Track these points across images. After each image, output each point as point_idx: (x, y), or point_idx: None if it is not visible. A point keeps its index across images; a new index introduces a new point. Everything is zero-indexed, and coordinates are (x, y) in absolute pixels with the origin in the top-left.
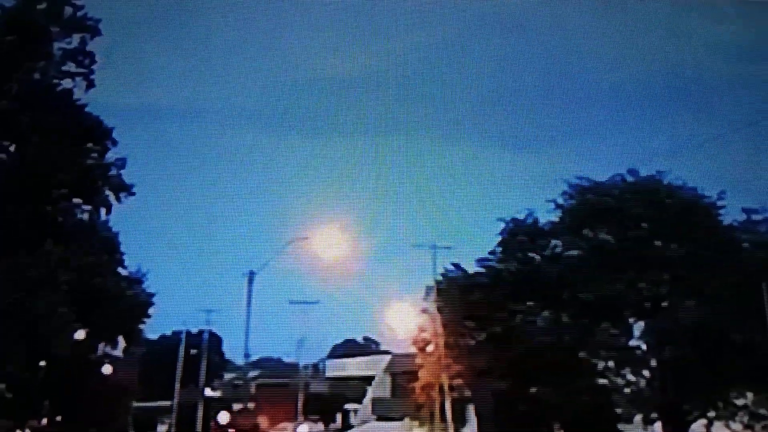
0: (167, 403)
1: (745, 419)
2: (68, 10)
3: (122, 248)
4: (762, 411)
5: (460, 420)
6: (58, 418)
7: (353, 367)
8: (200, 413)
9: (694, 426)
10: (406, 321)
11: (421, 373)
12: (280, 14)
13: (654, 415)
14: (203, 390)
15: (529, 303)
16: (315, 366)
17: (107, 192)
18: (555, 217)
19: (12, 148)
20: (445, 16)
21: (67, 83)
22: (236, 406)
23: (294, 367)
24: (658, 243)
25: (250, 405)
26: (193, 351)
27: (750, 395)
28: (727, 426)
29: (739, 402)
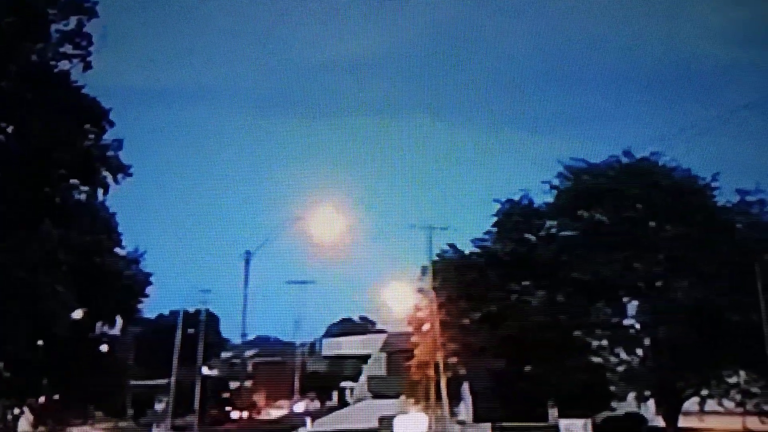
0: (165, 381)
1: (738, 397)
2: None
3: (120, 229)
4: (754, 389)
5: (455, 398)
6: (57, 397)
7: (349, 345)
8: (198, 391)
9: (686, 404)
10: (402, 300)
11: (417, 352)
12: None
13: (647, 393)
14: (201, 368)
15: (525, 283)
16: (311, 345)
17: (105, 173)
18: (550, 198)
19: (10, 130)
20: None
21: (64, 65)
22: (234, 385)
23: (291, 345)
24: (652, 224)
25: (248, 383)
26: (191, 330)
27: (742, 374)
28: (720, 404)
29: (732, 380)
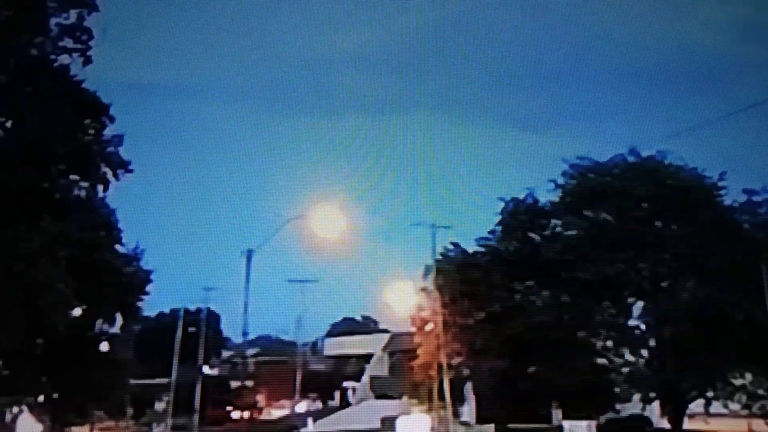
0: (165, 380)
1: (743, 399)
2: None
3: (120, 225)
4: (760, 391)
5: (458, 398)
6: (56, 395)
7: (351, 345)
8: (198, 391)
9: (692, 405)
10: (405, 300)
11: (420, 352)
12: None
13: (652, 394)
14: (201, 368)
15: (529, 282)
16: (313, 344)
17: (105, 168)
18: (555, 197)
19: (9, 124)
20: None
21: (64, 59)
22: (234, 384)
23: (292, 345)
24: (658, 223)
25: (249, 383)
26: (192, 329)
27: (749, 375)
28: (725, 406)
29: (738, 382)
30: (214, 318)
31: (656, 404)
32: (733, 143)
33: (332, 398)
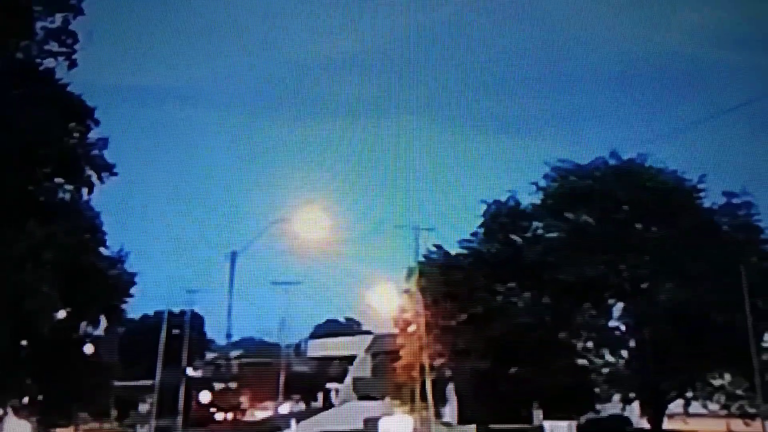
0: (149, 382)
1: (722, 399)
2: None
3: (105, 228)
4: (738, 391)
5: (440, 399)
6: (41, 397)
7: (335, 347)
8: (182, 393)
9: (671, 406)
10: (388, 301)
11: (403, 353)
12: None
13: (632, 394)
14: (185, 369)
15: (510, 284)
16: (297, 346)
17: (89, 171)
18: (537, 199)
19: None
20: (429, 1)
21: (49, 62)
22: (218, 386)
23: (276, 346)
24: (638, 225)
25: (233, 384)
26: (175, 331)
27: (727, 376)
28: (704, 406)
29: (717, 382)
30: (198, 320)
31: (636, 404)
32: (712, 146)
33: (315, 399)
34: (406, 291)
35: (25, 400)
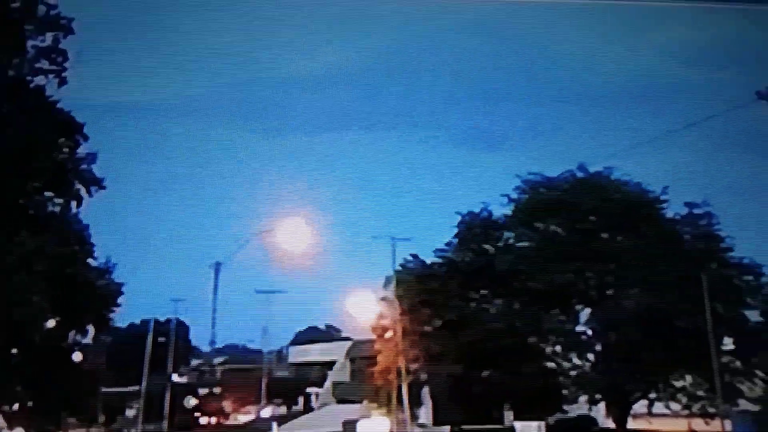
0: (136, 388)
1: (684, 400)
2: (42, 8)
3: (93, 240)
4: (699, 392)
5: (416, 402)
6: (30, 404)
7: (315, 352)
8: (168, 398)
9: (635, 406)
10: (366, 309)
11: (380, 358)
12: (250, 15)
13: (598, 396)
14: (171, 376)
15: (483, 291)
16: (279, 352)
17: (78, 185)
18: (509, 210)
19: None
20: (404, 14)
21: (40, 80)
22: (203, 391)
23: (259, 353)
24: (605, 235)
25: (216, 390)
26: (161, 339)
27: (689, 378)
28: (667, 406)
29: (679, 384)
30: (183, 328)
31: (602, 405)
32: (675, 159)
33: (296, 403)
34: (384, 299)
35: (15, 406)
